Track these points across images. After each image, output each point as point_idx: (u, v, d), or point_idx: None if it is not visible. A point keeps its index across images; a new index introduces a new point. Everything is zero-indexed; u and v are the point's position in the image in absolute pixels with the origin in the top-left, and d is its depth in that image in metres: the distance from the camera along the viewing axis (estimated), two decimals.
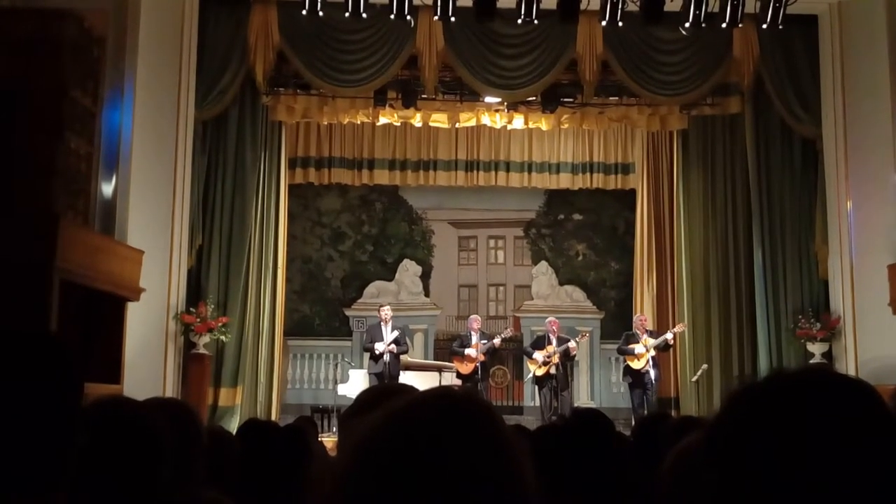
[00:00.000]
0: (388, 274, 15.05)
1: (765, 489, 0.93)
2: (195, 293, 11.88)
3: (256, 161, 12.49)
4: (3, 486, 1.36)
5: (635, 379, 11.63)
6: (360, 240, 15.06)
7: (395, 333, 11.56)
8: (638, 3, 10.23)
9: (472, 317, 12.42)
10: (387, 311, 11.72)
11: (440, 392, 1.04)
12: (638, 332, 11.83)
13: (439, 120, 13.19)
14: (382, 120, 13.10)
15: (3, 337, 1.49)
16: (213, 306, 11.76)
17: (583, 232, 15.20)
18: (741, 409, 1.00)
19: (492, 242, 15.43)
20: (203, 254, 12.13)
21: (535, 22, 10.56)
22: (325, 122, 13.84)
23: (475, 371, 11.61)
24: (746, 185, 12.77)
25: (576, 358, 12.65)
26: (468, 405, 1.02)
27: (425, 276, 15.13)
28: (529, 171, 14.56)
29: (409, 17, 10.43)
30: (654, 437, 2.87)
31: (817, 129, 12.22)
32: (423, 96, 12.55)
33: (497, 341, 11.76)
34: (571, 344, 11.79)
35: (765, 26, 10.70)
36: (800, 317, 12.04)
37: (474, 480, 0.95)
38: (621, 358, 12.17)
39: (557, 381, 11.57)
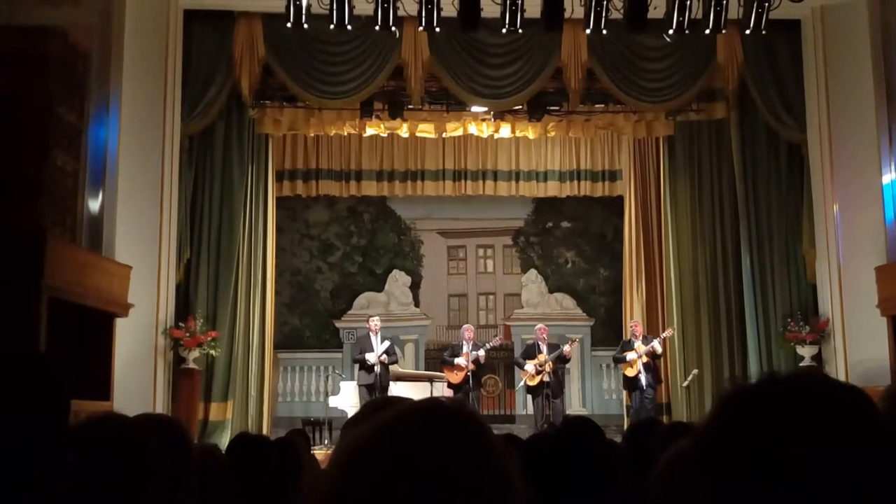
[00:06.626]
0: (378, 285, 15.03)
1: (754, 496, 0.93)
2: (184, 308, 11.84)
3: (243, 174, 12.47)
4: None
5: (630, 385, 11.78)
6: (348, 251, 15.05)
7: (386, 344, 11.53)
8: (622, 11, 10.27)
9: (465, 326, 12.41)
10: (376, 322, 11.70)
11: (428, 404, 1.04)
12: (633, 338, 11.90)
13: (426, 130, 13.20)
14: (369, 131, 13.11)
15: None
16: (202, 321, 11.71)
17: (571, 239, 15.23)
18: (730, 415, 1.00)
19: (481, 251, 15.44)
20: (191, 268, 12.10)
21: (520, 31, 10.58)
22: (312, 135, 13.84)
23: (466, 380, 11.59)
24: (733, 190, 12.83)
25: (567, 365, 12.65)
26: (456, 417, 1.02)
27: (415, 287, 15.12)
28: (517, 180, 14.58)
29: (394, 28, 10.43)
30: (645, 444, 2.87)
31: (802, 133, 12.28)
32: (410, 107, 12.55)
33: (482, 353, 11.66)
34: (566, 348, 11.81)
35: (748, 32, 10.73)
36: (789, 320, 12.09)
37: (462, 493, 0.95)
38: (615, 365, 12.26)
39: (551, 389, 11.56)
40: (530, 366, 11.68)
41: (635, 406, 11.75)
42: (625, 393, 12.72)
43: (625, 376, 11.95)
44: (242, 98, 12.11)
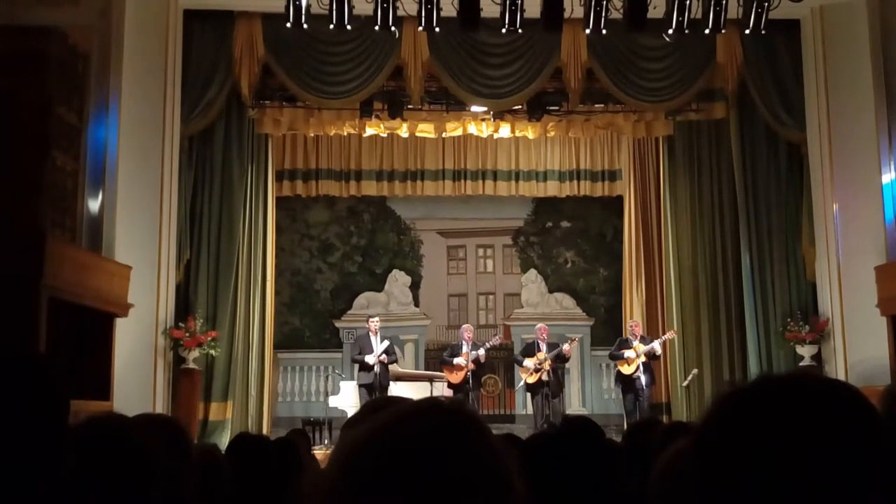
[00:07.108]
0: (378, 285, 15.03)
1: (753, 495, 0.93)
2: (184, 308, 11.84)
3: (243, 174, 12.48)
4: None
5: (626, 384, 11.71)
6: (348, 251, 15.04)
7: (386, 343, 11.53)
8: (622, 11, 10.27)
9: (465, 326, 12.41)
10: (375, 322, 11.70)
11: (426, 404, 1.04)
12: (630, 337, 11.87)
13: (426, 130, 13.20)
14: (369, 131, 13.11)
15: None
16: (201, 321, 11.71)
17: (571, 239, 15.22)
18: (727, 415, 1.00)
19: (480, 251, 15.43)
20: (191, 268, 12.10)
21: (520, 31, 10.58)
22: (312, 135, 13.84)
23: (466, 380, 11.59)
24: (733, 190, 12.83)
25: (567, 364, 12.63)
26: (455, 417, 1.02)
27: (415, 287, 15.12)
28: (517, 180, 14.57)
29: (393, 28, 10.43)
30: (644, 443, 2.87)
31: (802, 133, 12.29)
32: (410, 107, 12.55)
33: (481, 353, 11.66)
34: (565, 346, 11.80)
35: (748, 31, 10.74)
36: (788, 319, 12.09)
37: (461, 493, 0.95)
38: (613, 363, 12.22)
39: (550, 388, 11.55)
40: (529, 363, 11.67)
41: (628, 408, 11.70)
42: (616, 392, 12.61)
43: (619, 373, 11.85)
44: (242, 98, 12.12)
